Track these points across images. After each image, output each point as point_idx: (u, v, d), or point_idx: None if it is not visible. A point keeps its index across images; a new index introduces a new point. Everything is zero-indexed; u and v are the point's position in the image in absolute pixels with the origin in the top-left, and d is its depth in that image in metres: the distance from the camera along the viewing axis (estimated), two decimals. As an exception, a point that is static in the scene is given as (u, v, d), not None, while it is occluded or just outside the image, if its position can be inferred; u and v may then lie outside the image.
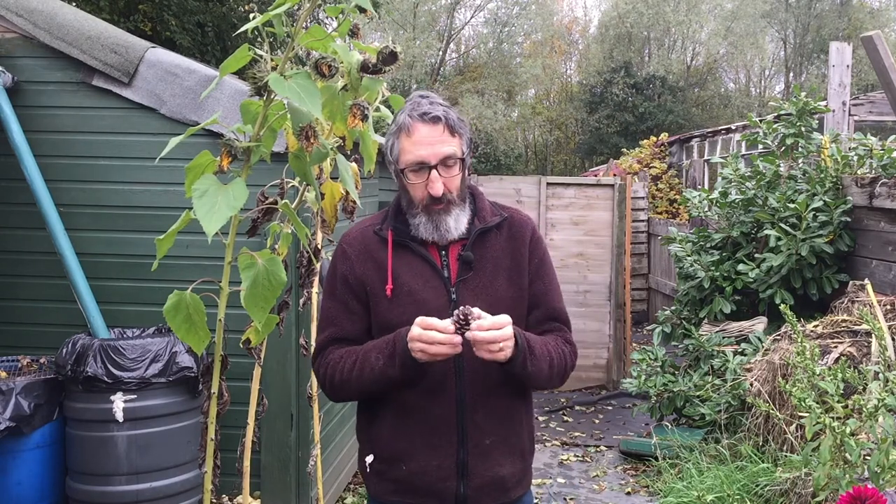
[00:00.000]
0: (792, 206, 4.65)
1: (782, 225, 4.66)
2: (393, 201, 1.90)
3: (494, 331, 1.64)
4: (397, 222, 1.85)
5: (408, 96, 1.87)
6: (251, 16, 1.72)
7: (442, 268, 1.81)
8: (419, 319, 1.67)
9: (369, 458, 1.86)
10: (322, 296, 1.96)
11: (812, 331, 3.94)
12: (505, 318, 1.67)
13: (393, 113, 2.02)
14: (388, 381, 1.74)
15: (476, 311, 1.65)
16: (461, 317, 1.63)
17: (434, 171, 1.75)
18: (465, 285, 1.80)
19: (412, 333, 1.67)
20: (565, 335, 1.90)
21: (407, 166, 1.77)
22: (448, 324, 1.64)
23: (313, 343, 2.79)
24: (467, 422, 1.77)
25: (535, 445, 2.06)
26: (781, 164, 5.18)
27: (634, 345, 8.00)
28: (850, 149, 5.01)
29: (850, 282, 4.39)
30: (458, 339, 1.63)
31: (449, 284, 1.80)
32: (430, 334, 1.64)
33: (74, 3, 9.01)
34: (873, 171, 4.78)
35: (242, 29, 1.74)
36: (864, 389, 2.89)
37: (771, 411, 3.24)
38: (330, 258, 2.96)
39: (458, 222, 1.81)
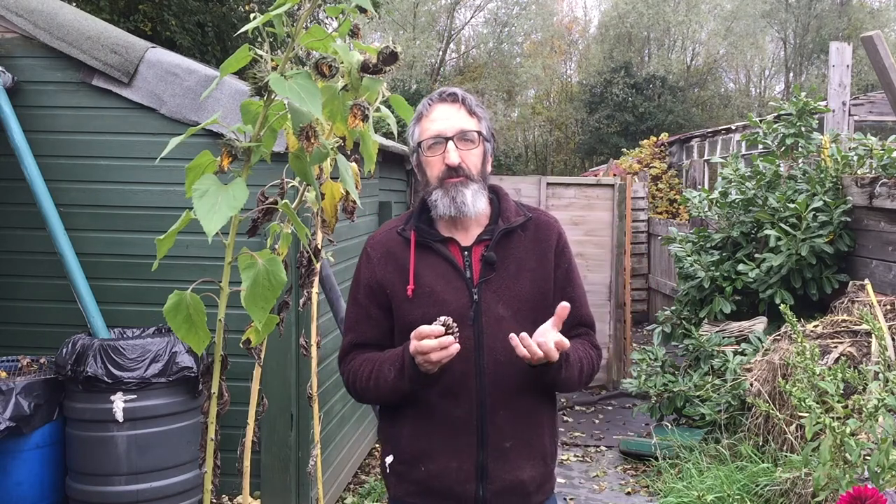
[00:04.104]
0: (792, 206, 4.65)
1: (782, 225, 4.66)
2: (417, 202, 1.90)
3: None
4: (420, 222, 1.85)
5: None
6: (251, 16, 1.72)
7: (464, 268, 1.79)
8: (414, 332, 1.65)
9: (389, 459, 1.84)
10: (348, 297, 1.96)
11: (812, 331, 3.94)
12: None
13: (393, 113, 2.02)
14: (402, 392, 1.74)
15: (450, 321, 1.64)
16: (444, 325, 1.63)
17: (451, 143, 1.75)
18: (487, 286, 1.78)
19: (411, 347, 1.65)
20: (592, 339, 1.90)
21: (424, 142, 1.79)
22: (437, 327, 1.63)
23: (314, 343, 2.79)
24: (488, 424, 1.74)
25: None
26: (781, 164, 5.18)
27: (634, 345, 8.00)
28: (850, 149, 5.00)
29: (850, 282, 4.38)
30: (450, 339, 1.62)
31: (471, 285, 1.78)
32: (423, 343, 1.62)
33: (74, 3, 9.01)
34: (873, 171, 4.77)
35: (243, 29, 1.73)
36: (864, 389, 2.89)
37: (771, 411, 3.24)
38: (330, 258, 2.98)
39: (475, 198, 1.78)
